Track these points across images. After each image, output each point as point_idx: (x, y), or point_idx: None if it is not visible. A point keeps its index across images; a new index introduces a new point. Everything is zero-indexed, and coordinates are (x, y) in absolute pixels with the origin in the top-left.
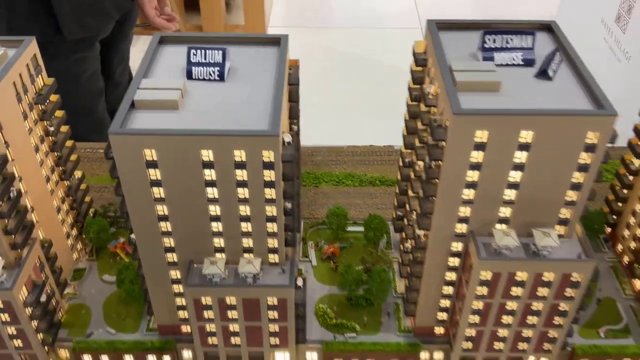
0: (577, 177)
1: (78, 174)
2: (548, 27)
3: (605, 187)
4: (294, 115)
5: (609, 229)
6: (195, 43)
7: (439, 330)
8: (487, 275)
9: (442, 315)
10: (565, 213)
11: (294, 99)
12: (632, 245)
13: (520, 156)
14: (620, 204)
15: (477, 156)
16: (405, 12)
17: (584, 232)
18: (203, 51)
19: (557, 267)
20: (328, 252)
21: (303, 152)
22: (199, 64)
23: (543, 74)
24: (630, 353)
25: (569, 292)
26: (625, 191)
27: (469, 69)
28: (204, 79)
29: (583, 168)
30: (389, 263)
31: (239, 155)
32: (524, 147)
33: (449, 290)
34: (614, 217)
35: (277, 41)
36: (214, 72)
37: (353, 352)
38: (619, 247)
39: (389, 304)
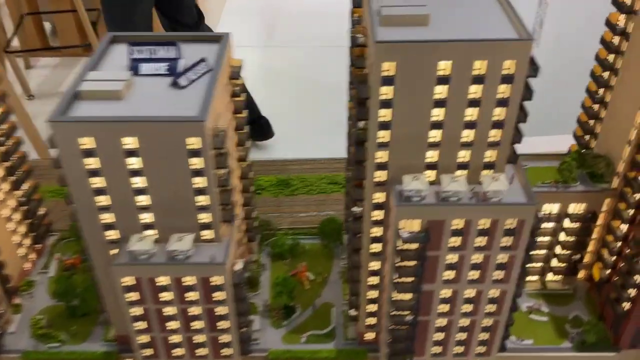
0: (198, 182)
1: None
2: (218, 39)
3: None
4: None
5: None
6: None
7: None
8: (131, 280)
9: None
10: (204, 218)
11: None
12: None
13: (133, 162)
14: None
15: (92, 162)
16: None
17: (232, 237)
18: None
19: (194, 271)
20: (68, 263)
21: None
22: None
23: (175, 84)
24: (322, 357)
25: (217, 295)
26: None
27: (97, 79)
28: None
29: (198, 173)
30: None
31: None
32: (131, 152)
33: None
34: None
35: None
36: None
37: None
38: None
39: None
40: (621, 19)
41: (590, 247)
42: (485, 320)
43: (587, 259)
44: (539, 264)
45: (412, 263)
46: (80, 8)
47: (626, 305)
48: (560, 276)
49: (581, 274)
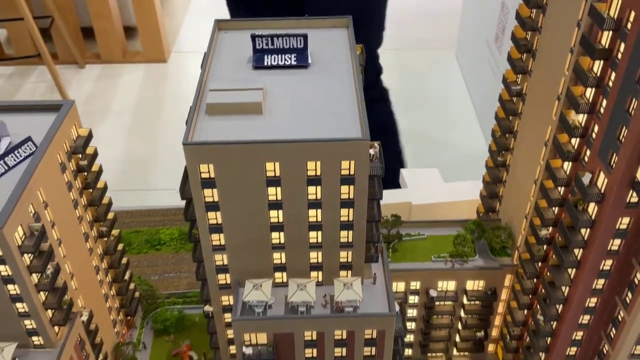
0: (12, 289)
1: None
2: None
3: None
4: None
5: None
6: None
7: None
8: None
9: None
10: (29, 324)
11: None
12: None
13: None
14: None
15: None
16: None
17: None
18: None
19: None
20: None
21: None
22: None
23: None
24: None
25: None
26: None
27: None
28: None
29: (9, 281)
30: None
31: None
32: None
33: None
34: None
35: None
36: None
37: None
38: None
39: None
40: (518, 78)
41: (496, 321)
42: None
43: (494, 332)
44: (442, 341)
45: None
46: (27, 16)
47: None
48: (466, 352)
49: (490, 348)
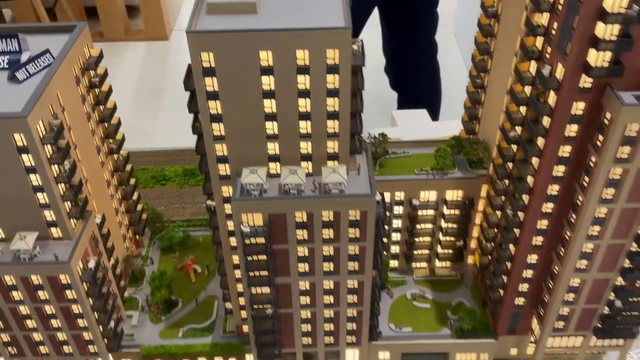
0: (34, 179)
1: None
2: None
3: None
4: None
5: None
6: None
7: None
8: None
9: None
10: (49, 215)
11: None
12: None
13: None
14: None
15: None
16: None
17: (83, 233)
18: None
19: (39, 270)
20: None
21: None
22: None
23: (13, 78)
24: (196, 352)
25: (68, 294)
26: None
27: None
28: None
29: (31, 170)
30: None
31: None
32: None
33: None
34: None
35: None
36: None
37: None
38: None
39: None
40: (494, 1)
41: (474, 232)
42: (349, 310)
43: (473, 244)
44: (425, 251)
45: (262, 257)
46: None
47: (500, 292)
48: (447, 262)
49: (470, 260)
